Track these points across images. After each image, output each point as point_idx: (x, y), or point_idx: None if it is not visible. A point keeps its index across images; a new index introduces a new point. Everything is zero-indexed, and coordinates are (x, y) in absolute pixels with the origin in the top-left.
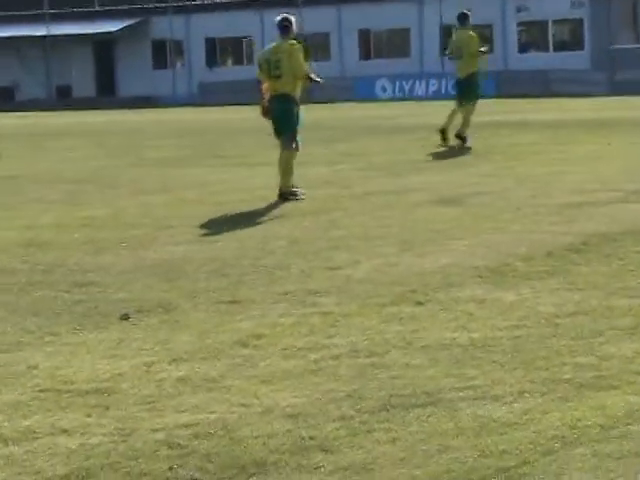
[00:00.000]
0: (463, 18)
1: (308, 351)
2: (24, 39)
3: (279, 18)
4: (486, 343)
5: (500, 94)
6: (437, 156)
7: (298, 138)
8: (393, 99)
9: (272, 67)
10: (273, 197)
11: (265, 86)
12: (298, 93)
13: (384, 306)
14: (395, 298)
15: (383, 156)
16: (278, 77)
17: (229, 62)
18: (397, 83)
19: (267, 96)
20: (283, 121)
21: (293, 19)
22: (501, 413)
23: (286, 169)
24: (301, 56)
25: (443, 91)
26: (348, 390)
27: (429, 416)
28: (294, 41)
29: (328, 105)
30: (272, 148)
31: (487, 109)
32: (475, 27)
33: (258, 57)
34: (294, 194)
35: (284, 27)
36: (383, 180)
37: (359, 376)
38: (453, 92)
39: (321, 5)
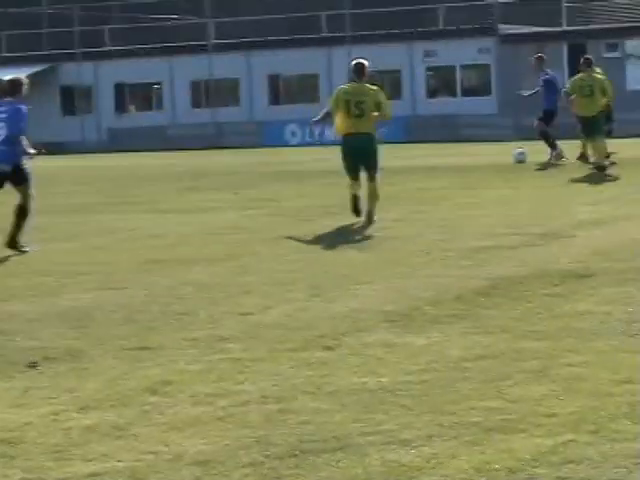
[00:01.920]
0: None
1: (217, 397)
2: None
3: (355, 62)
4: (395, 387)
5: (410, 139)
6: (347, 201)
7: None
8: (302, 144)
9: (353, 106)
10: (177, 245)
11: (338, 123)
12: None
13: (294, 351)
14: (305, 343)
15: (293, 201)
16: (360, 116)
17: (137, 108)
18: (307, 128)
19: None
20: (372, 156)
21: (367, 63)
22: (410, 457)
23: (377, 196)
24: (385, 99)
25: None
26: (257, 436)
27: (338, 461)
28: (374, 86)
29: (237, 150)
30: (181, 194)
31: (396, 154)
32: (384, 72)
33: (335, 96)
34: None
35: (360, 70)
36: (293, 225)
37: (268, 422)
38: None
39: (231, 51)
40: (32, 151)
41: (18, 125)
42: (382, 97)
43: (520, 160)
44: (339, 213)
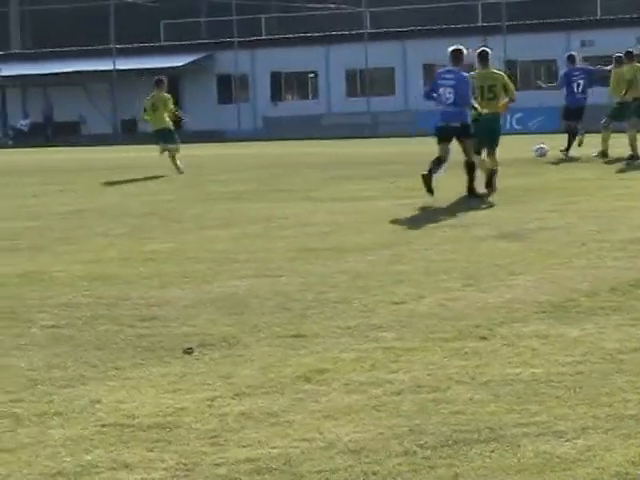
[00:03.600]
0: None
1: (370, 386)
2: (90, 74)
3: (480, 50)
4: (549, 379)
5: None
6: (500, 191)
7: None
8: None
9: (486, 91)
10: (331, 234)
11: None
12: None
13: (447, 341)
14: (458, 333)
15: (448, 191)
16: (492, 99)
17: (293, 97)
18: None
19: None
20: (495, 134)
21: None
22: (564, 449)
23: (487, 169)
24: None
25: (508, 126)
26: (410, 425)
27: (492, 452)
28: (498, 71)
29: (392, 139)
30: (336, 183)
31: (551, 144)
32: (539, 62)
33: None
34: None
35: (485, 57)
36: (447, 215)
37: (421, 411)
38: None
39: (386, 40)
40: (476, 105)
41: (465, 93)
42: (508, 80)
43: (541, 154)
44: (494, 203)
